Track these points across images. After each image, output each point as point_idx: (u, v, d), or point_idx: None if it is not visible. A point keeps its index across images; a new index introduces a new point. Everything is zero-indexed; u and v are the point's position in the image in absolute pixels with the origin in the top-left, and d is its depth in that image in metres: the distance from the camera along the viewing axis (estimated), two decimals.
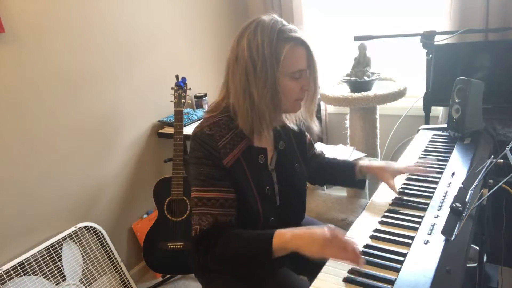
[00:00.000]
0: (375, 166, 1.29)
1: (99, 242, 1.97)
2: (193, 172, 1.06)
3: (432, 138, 1.60)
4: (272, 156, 1.18)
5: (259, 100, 1.01)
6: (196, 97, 2.48)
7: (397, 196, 1.20)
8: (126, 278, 2.01)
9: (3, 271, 1.60)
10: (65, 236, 1.84)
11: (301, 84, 1.06)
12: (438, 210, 1.08)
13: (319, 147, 1.47)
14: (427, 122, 1.92)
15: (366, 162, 1.33)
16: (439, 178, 1.26)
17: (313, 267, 0.97)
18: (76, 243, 1.88)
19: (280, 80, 1.03)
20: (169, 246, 2.01)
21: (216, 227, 1.02)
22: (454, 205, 0.98)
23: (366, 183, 1.37)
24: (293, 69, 1.03)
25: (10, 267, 1.63)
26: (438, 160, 1.39)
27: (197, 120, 2.33)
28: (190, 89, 2.10)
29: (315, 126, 1.22)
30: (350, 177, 1.34)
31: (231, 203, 1.05)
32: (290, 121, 1.22)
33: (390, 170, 1.24)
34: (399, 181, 1.28)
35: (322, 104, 2.77)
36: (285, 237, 0.93)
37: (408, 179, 1.30)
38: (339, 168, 1.38)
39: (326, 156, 1.46)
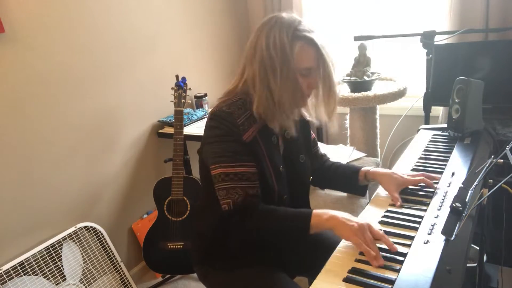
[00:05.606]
0: (382, 173, 1.25)
1: (99, 242, 1.97)
2: (215, 150, 1.09)
3: (432, 138, 1.60)
4: (280, 144, 1.21)
5: (280, 93, 1.06)
6: (196, 97, 2.48)
7: (399, 204, 1.16)
8: (126, 278, 2.01)
9: (3, 271, 1.60)
10: (65, 236, 1.84)
11: (308, 82, 1.10)
12: (438, 210, 1.08)
13: (321, 149, 1.46)
14: (427, 122, 1.92)
15: (373, 168, 1.30)
16: (439, 178, 1.26)
17: (313, 267, 0.97)
18: (76, 243, 1.88)
19: None
20: (169, 246, 2.01)
21: (248, 199, 1.07)
22: (454, 205, 0.98)
23: (367, 190, 1.33)
24: (302, 65, 1.07)
25: (10, 267, 1.63)
26: (438, 160, 1.39)
27: (197, 120, 2.33)
28: (190, 89, 2.10)
29: (332, 127, 1.25)
30: (353, 181, 1.31)
31: (256, 176, 1.10)
32: (310, 116, 1.24)
33: (396, 182, 1.20)
34: None
35: None
36: (322, 217, 1.02)
37: None
38: (342, 171, 1.36)
39: (330, 160, 1.45)
